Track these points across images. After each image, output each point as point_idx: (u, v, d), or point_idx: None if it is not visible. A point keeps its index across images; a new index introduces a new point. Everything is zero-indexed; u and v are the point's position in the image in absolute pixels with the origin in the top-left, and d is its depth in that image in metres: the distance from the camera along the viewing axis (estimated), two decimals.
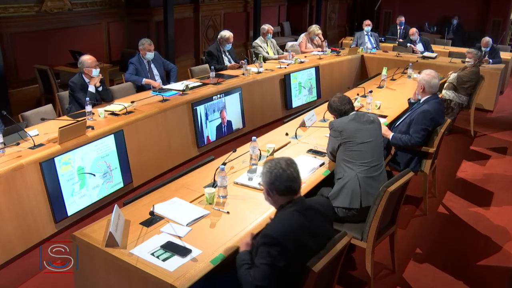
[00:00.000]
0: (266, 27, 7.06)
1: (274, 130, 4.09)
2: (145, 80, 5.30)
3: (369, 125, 3.14)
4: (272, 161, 2.19)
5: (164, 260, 2.20)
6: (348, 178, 3.01)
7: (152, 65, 5.48)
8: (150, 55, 5.36)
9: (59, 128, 3.53)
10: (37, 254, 3.27)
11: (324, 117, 4.28)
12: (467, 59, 5.96)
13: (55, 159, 3.45)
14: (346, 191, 2.99)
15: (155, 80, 5.41)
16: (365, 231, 2.87)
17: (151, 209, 2.56)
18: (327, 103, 3.49)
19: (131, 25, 8.26)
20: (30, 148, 3.49)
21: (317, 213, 2.20)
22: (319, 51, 7.54)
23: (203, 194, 2.79)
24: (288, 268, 2.05)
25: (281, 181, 2.13)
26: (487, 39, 7.38)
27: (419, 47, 8.25)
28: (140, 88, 5.30)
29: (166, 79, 5.69)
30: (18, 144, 3.56)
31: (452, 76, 5.97)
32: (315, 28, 7.75)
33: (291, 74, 6.31)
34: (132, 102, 4.51)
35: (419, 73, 3.97)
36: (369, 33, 8.36)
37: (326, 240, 2.19)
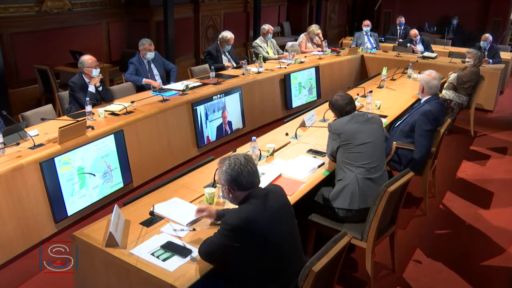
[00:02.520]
0: (266, 27, 7.06)
1: (274, 130, 4.10)
2: (145, 80, 5.30)
3: (369, 125, 3.13)
4: (230, 158, 2.20)
5: (164, 260, 2.21)
6: (348, 180, 3.01)
7: (152, 65, 5.48)
8: (150, 55, 5.36)
9: (59, 128, 3.54)
10: (37, 254, 3.25)
11: (324, 117, 4.28)
12: (467, 59, 5.95)
13: (55, 159, 3.45)
14: (346, 193, 2.99)
15: (155, 80, 5.41)
16: (365, 231, 2.87)
17: (151, 209, 2.56)
18: (327, 103, 3.48)
19: (131, 25, 8.26)
20: (30, 148, 3.49)
21: (275, 200, 2.21)
22: (319, 51, 7.54)
23: (203, 194, 2.80)
24: (250, 255, 2.09)
25: (242, 177, 2.15)
26: (487, 35, 7.38)
27: (419, 47, 8.24)
28: (140, 88, 5.30)
29: (166, 79, 5.69)
30: (18, 144, 3.55)
31: (452, 76, 5.96)
32: (314, 28, 7.75)
33: (291, 74, 6.31)
34: (132, 102, 4.52)
35: (419, 73, 3.97)
36: (369, 33, 8.36)
37: (290, 227, 2.24)
